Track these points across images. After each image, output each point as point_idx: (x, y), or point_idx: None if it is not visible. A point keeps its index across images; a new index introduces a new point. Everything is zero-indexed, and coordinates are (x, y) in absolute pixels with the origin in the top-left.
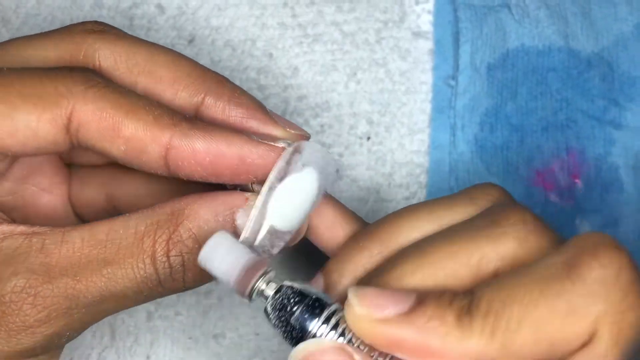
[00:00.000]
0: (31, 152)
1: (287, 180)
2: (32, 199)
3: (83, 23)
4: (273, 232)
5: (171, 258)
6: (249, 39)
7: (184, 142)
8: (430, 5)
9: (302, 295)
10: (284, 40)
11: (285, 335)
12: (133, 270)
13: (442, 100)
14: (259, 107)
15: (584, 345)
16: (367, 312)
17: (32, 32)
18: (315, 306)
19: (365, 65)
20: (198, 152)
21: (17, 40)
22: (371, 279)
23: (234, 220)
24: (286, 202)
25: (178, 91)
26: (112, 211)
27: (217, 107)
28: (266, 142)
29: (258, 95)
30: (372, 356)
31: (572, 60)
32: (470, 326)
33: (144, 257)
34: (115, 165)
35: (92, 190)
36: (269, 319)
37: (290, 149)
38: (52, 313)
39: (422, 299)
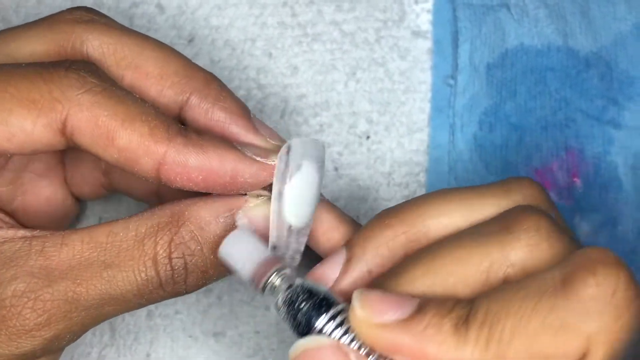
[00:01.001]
0: (29, 153)
1: (293, 181)
2: (30, 185)
3: (70, 10)
4: (295, 232)
5: (173, 260)
6: (249, 39)
7: (178, 158)
8: (429, 5)
9: (310, 293)
10: (283, 40)
11: (293, 329)
12: (134, 273)
13: (442, 100)
14: (241, 114)
15: None
16: (368, 315)
17: None
18: (322, 304)
19: (365, 64)
20: (191, 169)
21: (1, 32)
22: (383, 280)
23: (234, 221)
24: (297, 202)
25: (164, 88)
26: (109, 187)
27: (201, 109)
28: (259, 159)
29: (257, 94)
30: (371, 357)
31: (571, 60)
32: (466, 336)
33: (145, 259)
34: None
35: (87, 168)
36: (279, 313)
37: (284, 150)
38: (52, 317)
39: (423, 305)
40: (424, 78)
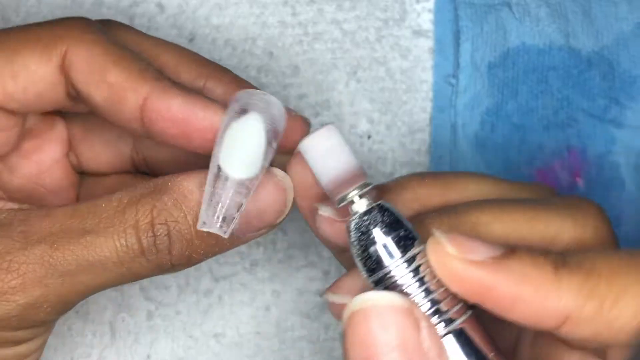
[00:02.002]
0: (32, 98)
1: (232, 128)
2: (39, 198)
3: (82, 18)
4: (233, 184)
5: (156, 227)
6: (250, 38)
7: (162, 95)
8: (430, 4)
9: (394, 224)
10: (284, 39)
11: (359, 258)
12: (113, 239)
13: (443, 99)
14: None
15: None
16: (460, 251)
17: None
18: (403, 241)
19: (366, 63)
20: (173, 108)
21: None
22: (438, 217)
23: None
24: (236, 150)
25: (180, 75)
26: (137, 162)
27: (219, 91)
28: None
29: None
30: (443, 327)
31: (573, 59)
32: (569, 281)
33: (126, 226)
34: (122, 173)
35: (109, 140)
36: (349, 236)
37: (231, 99)
38: (27, 281)
39: (514, 248)
40: (425, 77)
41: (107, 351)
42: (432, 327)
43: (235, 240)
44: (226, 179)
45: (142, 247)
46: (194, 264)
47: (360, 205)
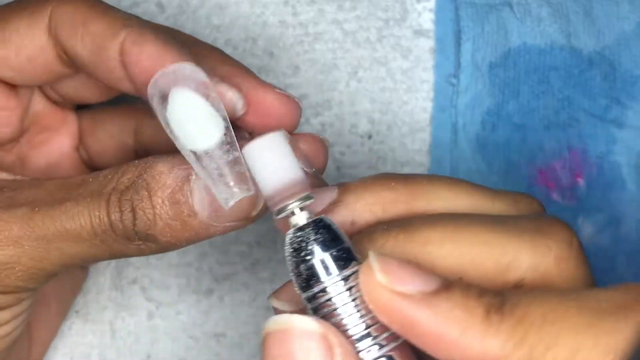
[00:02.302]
0: (25, 64)
1: (168, 115)
2: (35, 148)
3: None
4: (214, 152)
5: (122, 201)
6: (250, 38)
7: (137, 39)
8: (431, 4)
9: (330, 242)
10: (285, 39)
11: (292, 273)
12: (88, 208)
13: (444, 99)
14: (246, 69)
15: None
16: (389, 281)
17: None
18: (338, 261)
19: (367, 63)
20: (144, 52)
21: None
22: (393, 230)
23: (188, 175)
24: (188, 128)
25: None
26: (138, 150)
27: (205, 69)
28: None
29: None
30: (361, 351)
31: (574, 59)
32: (498, 327)
33: (101, 198)
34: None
35: (112, 132)
36: (292, 245)
37: (151, 82)
38: (2, 239)
39: (450, 284)
40: (426, 77)
41: (107, 351)
42: (348, 353)
43: (210, 229)
44: (206, 153)
45: (110, 220)
46: (173, 248)
47: (300, 218)
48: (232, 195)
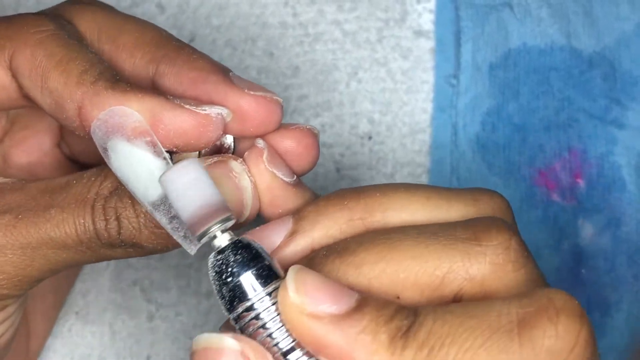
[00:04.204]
0: None
1: (113, 166)
2: (18, 148)
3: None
4: (153, 208)
5: (107, 209)
6: (250, 38)
7: (95, 100)
8: (431, 4)
9: (256, 257)
10: (284, 40)
11: (220, 293)
12: (73, 216)
13: (444, 100)
14: (215, 70)
15: None
16: (301, 302)
17: None
18: (263, 275)
19: (367, 64)
20: (101, 110)
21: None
22: (330, 255)
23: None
24: (131, 182)
25: (136, 59)
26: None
27: (171, 74)
28: (187, 106)
29: None
30: None
31: (574, 60)
32: (402, 353)
33: (86, 205)
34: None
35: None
36: (214, 269)
37: (92, 128)
38: None
39: (363, 305)
40: (426, 78)
41: (107, 352)
42: None
43: None
44: (153, 205)
45: (96, 228)
46: (161, 252)
47: (221, 240)
48: (190, 248)
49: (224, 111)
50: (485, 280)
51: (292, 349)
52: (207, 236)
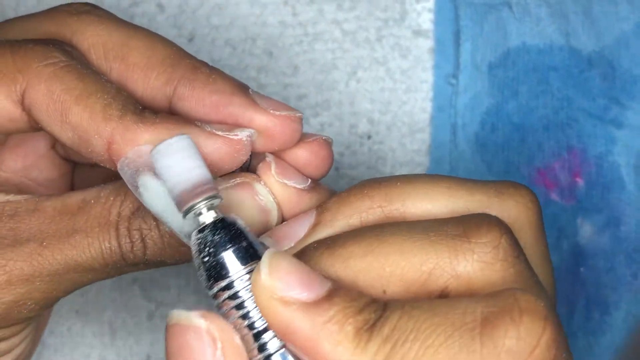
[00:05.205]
0: None
1: (144, 199)
2: (28, 191)
3: (69, 4)
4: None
5: (132, 232)
6: (249, 38)
7: (126, 136)
8: (430, 4)
9: (235, 237)
10: (284, 39)
11: (199, 271)
12: (99, 240)
13: (443, 99)
14: (237, 91)
15: None
16: (272, 286)
17: None
18: (241, 256)
19: (366, 63)
20: (135, 145)
21: (2, 23)
22: (320, 248)
23: None
24: (160, 213)
25: (150, 80)
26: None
27: (191, 97)
28: (220, 133)
29: None
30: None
31: (573, 59)
32: (366, 346)
33: (110, 228)
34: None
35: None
36: (194, 247)
37: (119, 166)
38: (13, 278)
39: (333, 295)
40: (425, 77)
41: (107, 351)
42: (231, 346)
43: None
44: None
45: (122, 250)
46: (181, 263)
47: (206, 218)
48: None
49: (252, 133)
50: (472, 278)
51: (264, 330)
52: (192, 212)
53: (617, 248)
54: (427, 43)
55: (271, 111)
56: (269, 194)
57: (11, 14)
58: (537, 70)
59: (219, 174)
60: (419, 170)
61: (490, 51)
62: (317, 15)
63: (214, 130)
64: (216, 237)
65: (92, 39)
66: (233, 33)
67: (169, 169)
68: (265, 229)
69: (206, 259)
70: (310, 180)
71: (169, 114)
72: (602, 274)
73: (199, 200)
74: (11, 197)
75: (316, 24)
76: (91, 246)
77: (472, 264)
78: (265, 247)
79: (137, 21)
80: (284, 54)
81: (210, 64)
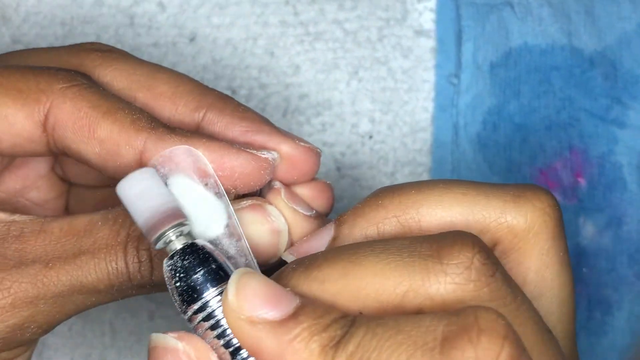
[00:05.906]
0: (7, 149)
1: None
2: (24, 211)
3: (91, 43)
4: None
5: (140, 252)
6: (250, 37)
7: (160, 145)
8: (432, 4)
9: (203, 262)
10: (285, 39)
11: (173, 297)
12: (105, 262)
13: (445, 99)
14: (265, 120)
15: None
16: (239, 306)
17: (32, 30)
18: (209, 279)
19: (367, 63)
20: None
21: (20, 51)
22: (298, 268)
23: None
24: (187, 214)
25: (178, 106)
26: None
27: (220, 122)
28: (249, 150)
29: (259, 93)
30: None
31: (575, 59)
32: None
33: (117, 249)
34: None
35: (89, 210)
36: (166, 274)
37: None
38: (17, 301)
39: (299, 312)
40: (427, 77)
41: (108, 351)
42: None
43: None
44: (215, 244)
45: (129, 272)
46: None
47: (176, 244)
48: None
49: (276, 157)
50: (445, 299)
51: (239, 348)
52: (161, 241)
53: (619, 248)
54: (428, 43)
55: (296, 141)
56: (280, 215)
57: (11, 13)
58: (539, 70)
59: (244, 191)
60: (421, 169)
61: (492, 51)
62: (318, 14)
63: (243, 148)
64: (185, 262)
65: (115, 72)
66: (234, 32)
67: (135, 200)
68: (275, 250)
69: (178, 284)
70: (315, 210)
71: (199, 132)
72: (604, 274)
73: (167, 228)
74: (17, 217)
75: (317, 24)
76: (97, 267)
77: (445, 285)
78: (237, 268)
79: (137, 20)
80: (285, 54)
81: (212, 63)
